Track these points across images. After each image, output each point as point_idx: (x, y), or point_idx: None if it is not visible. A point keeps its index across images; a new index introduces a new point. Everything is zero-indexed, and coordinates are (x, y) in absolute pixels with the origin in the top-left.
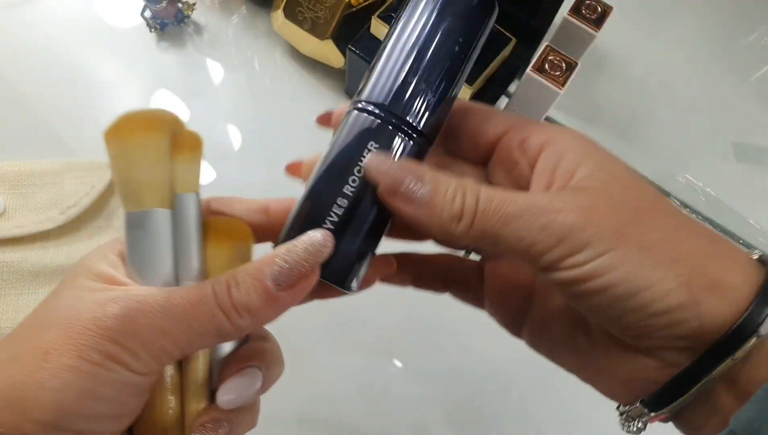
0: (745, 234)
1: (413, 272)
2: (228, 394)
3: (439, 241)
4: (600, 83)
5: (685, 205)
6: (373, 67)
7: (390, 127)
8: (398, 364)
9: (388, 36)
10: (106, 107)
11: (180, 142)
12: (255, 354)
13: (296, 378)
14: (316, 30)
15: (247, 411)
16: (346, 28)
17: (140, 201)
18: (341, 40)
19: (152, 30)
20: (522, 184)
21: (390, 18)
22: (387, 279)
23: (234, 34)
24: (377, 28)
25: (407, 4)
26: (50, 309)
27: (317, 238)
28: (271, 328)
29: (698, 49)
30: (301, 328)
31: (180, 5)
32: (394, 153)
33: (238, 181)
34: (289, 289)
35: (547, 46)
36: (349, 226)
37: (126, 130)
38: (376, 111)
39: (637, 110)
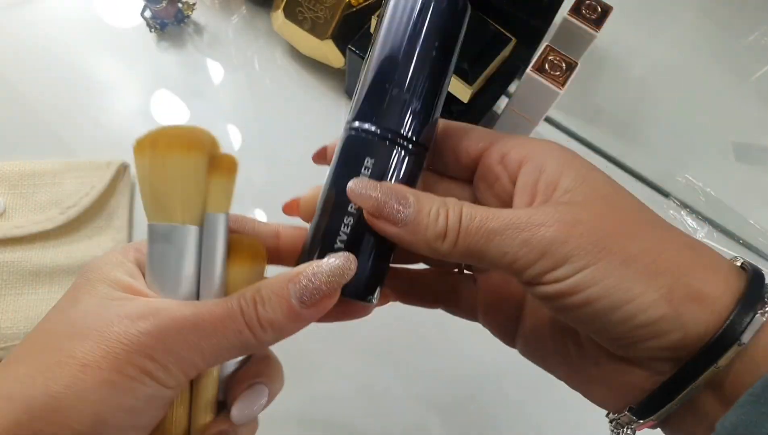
0: (745, 234)
1: (401, 289)
2: (241, 410)
3: (427, 259)
4: (600, 83)
5: (685, 205)
6: (359, 86)
7: (385, 142)
8: (398, 364)
9: (369, 54)
10: (106, 107)
11: (217, 163)
12: (261, 371)
13: (296, 378)
14: (316, 30)
15: (250, 423)
16: (346, 28)
17: (171, 215)
18: (341, 40)
19: (152, 30)
20: (505, 199)
21: None
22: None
23: (234, 34)
24: None
25: (382, 20)
26: (74, 318)
27: (341, 260)
28: None
29: (698, 49)
30: (301, 329)
31: (180, 5)
32: (392, 166)
33: (238, 180)
34: (311, 307)
35: (547, 46)
36: (360, 243)
37: (166, 145)
38: (371, 129)
39: (637, 110)
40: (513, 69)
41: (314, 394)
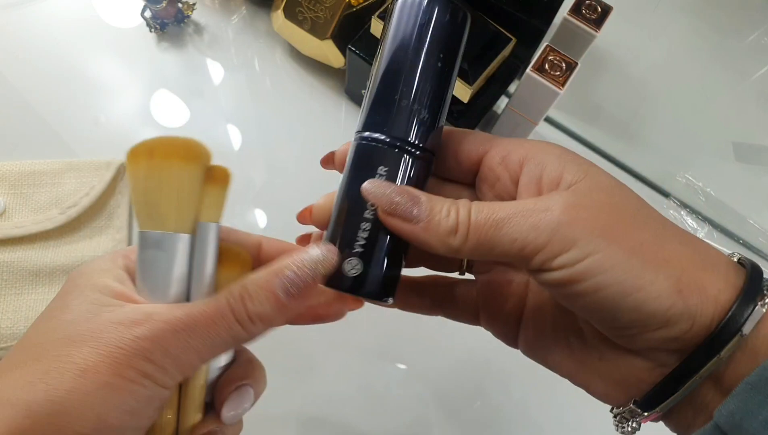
0: (745, 234)
1: (401, 296)
2: (231, 410)
3: (429, 262)
4: (600, 83)
5: (685, 205)
6: (367, 98)
7: (395, 150)
8: (398, 364)
9: (375, 65)
10: (106, 107)
11: (211, 174)
12: (246, 374)
13: (296, 378)
14: (316, 30)
15: (237, 424)
16: (346, 28)
17: (164, 223)
18: (341, 40)
19: (152, 30)
20: (506, 198)
21: None
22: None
23: (234, 34)
24: (377, 28)
25: (387, 34)
26: (66, 324)
27: (322, 251)
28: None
29: (698, 49)
30: (301, 329)
31: (180, 5)
32: (403, 171)
33: (238, 181)
34: (296, 298)
35: (547, 46)
36: (376, 247)
37: (163, 155)
38: (381, 138)
39: (637, 110)
40: (513, 69)
41: (314, 394)
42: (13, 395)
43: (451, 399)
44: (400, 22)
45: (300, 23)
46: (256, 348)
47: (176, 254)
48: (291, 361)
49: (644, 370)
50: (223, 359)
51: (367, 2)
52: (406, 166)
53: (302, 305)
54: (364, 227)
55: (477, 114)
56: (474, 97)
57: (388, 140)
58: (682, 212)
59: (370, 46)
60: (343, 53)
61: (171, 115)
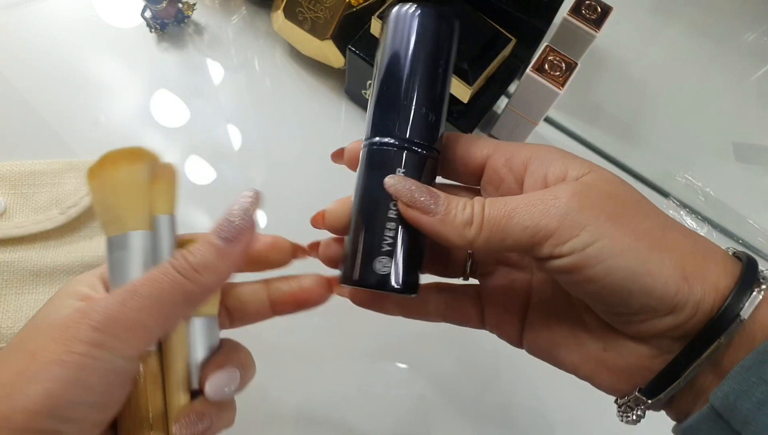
0: (745, 234)
1: (406, 304)
2: (214, 386)
3: (434, 268)
4: (600, 83)
5: (685, 205)
6: (372, 106)
7: (407, 151)
8: (399, 363)
9: (376, 76)
10: (106, 107)
11: (157, 172)
12: (231, 357)
13: (296, 378)
14: (316, 30)
15: (226, 409)
16: (347, 28)
17: (123, 225)
18: (341, 41)
19: (152, 30)
20: None
21: (424, 4)
22: (377, 308)
23: (234, 34)
24: (377, 28)
25: (384, 46)
26: (36, 321)
27: (250, 197)
28: (273, 329)
29: (698, 49)
30: (301, 329)
31: (180, 6)
32: (417, 170)
33: (238, 181)
34: (234, 242)
35: (547, 46)
36: (403, 244)
37: (111, 163)
38: (392, 141)
39: (637, 110)
40: (513, 69)
41: (314, 394)
42: None
43: (451, 399)
44: (396, 33)
45: (300, 23)
46: (256, 348)
47: (137, 250)
48: (291, 360)
49: (649, 357)
50: (201, 339)
51: (367, 2)
52: (418, 164)
53: (241, 248)
54: (389, 226)
55: (477, 114)
56: (474, 97)
57: (398, 143)
58: (682, 212)
59: (370, 46)
60: (343, 53)
61: (171, 115)
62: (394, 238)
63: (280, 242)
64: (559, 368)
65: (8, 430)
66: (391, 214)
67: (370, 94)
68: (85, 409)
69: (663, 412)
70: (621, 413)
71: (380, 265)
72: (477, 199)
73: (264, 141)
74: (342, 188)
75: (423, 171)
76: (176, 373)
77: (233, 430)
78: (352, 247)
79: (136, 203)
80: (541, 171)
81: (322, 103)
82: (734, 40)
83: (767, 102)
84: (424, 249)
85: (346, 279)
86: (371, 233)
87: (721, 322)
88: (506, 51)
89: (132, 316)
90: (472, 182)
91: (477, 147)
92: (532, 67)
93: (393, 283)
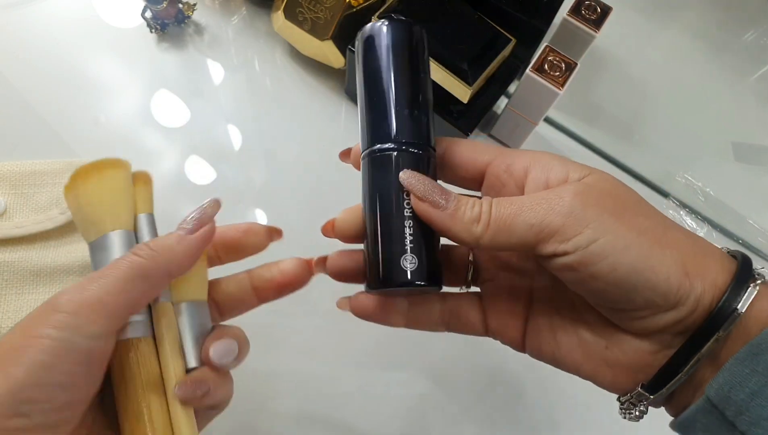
0: (745, 234)
1: (408, 314)
2: (216, 349)
3: (463, 244)
4: (599, 83)
5: (685, 205)
6: (363, 119)
7: (408, 151)
8: (399, 363)
9: (360, 91)
10: (106, 107)
11: (136, 178)
12: (225, 332)
13: (296, 378)
14: (316, 31)
15: (223, 380)
16: (347, 28)
17: (103, 227)
18: (341, 41)
19: (153, 30)
20: None
21: (390, 18)
22: (382, 320)
23: (234, 34)
24: None
25: (361, 59)
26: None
27: (209, 200)
28: (272, 329)
29: (698, 49)
30: (301, 328)
31: (180, 6)
32: (420, 167)
33: (238, 181)
34: (191, 231)
35: (546, 46)
36: (423, 238)
37: (83, 175)
38: (392, 146)
39: (636, 110)
40: (513, 69)
41: (314, 393)
42: None
43: (451, 399)
44: (372, 47)
45: (300, 24)
46: (256, 348)
47: (116, 247)
48: (291, 360)
49: (650, 353)
50: (192, 321)
51: (367, 3)
52: (422, 162)
53: (199, 237)
54: (408, 225)
55: (477, 114)
56: (474, 98)
57: (397, 146)
58: (682, 212)
59: None
60: (344, 54)
61: (171, 115)
62: (414, 234)
63: (254, 227)
64: (562, 369)
65: None
66: (407, 212)
67: (359, 108)
68: (48, 389)
69: (663, 412)
70: (623, 410)
71: (407, 262)
72: (485, 198)
73: (264, 141)
74: (341, 188)
75: (429, 168)
76: (169, 353)
77: (234, 430)
78: (374, 251)
79: (112, 207)
80: (543, 176)
81: (322, 103)
82: (734, 40)
83: (767, 102)
84: (439, 245)
85: (374, 283)
86: (392, 234)
87: (720, 316)
88: (506, 51)
89: (90, 295)
90: (474, 187)
91: (478, 153)
92: (532, 67)
93: (422, 277)
